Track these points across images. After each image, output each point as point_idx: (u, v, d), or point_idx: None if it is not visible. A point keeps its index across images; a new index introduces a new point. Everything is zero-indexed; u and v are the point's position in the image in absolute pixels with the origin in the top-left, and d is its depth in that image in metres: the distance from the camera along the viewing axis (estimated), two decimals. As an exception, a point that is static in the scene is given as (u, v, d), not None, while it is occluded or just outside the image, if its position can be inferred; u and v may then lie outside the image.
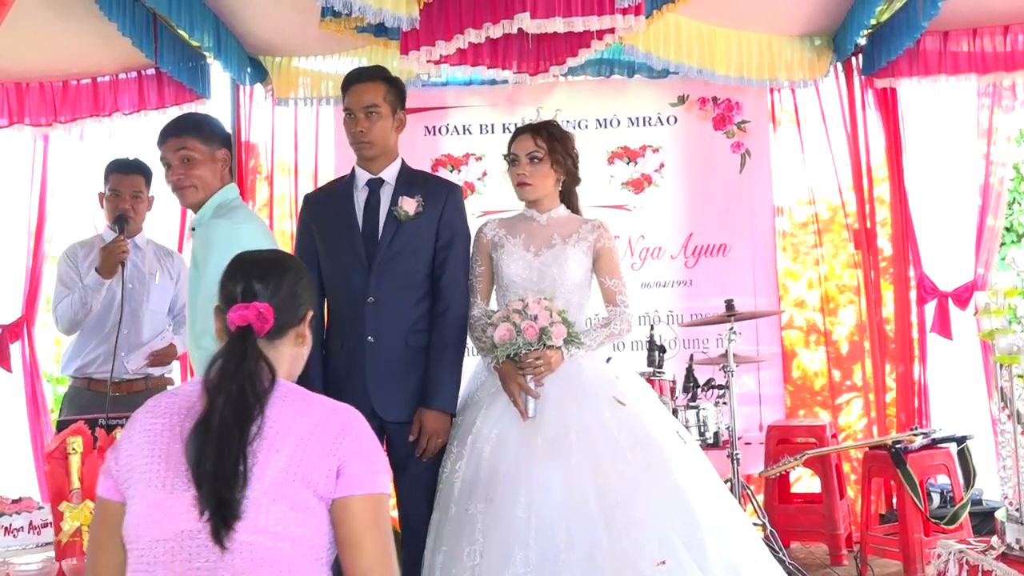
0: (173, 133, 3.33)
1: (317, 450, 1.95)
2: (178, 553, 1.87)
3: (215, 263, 2.88)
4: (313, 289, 2.23)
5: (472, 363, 3.60)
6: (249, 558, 1.86)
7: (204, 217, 3.27)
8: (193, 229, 3.30)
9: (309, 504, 1.91)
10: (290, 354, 2.13)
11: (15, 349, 5.77)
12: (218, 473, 1.85)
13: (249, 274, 2.08)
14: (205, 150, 3.31)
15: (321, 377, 3.44)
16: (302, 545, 1.90)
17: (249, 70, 5.90)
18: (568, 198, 3.71)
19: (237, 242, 2.74)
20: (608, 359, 3.55)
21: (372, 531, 1.95)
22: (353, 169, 3.62)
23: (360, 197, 3.54)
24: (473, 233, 3.67)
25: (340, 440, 1.98)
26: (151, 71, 5.72)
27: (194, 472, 1.86)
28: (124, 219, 4.37)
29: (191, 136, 3.29)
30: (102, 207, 4.58)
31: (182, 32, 5.17)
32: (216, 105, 6.02)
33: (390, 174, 3.56)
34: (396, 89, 3.58)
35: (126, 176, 4.48)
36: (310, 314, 2.16)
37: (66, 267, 4.47)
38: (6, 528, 2.67)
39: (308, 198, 3.78)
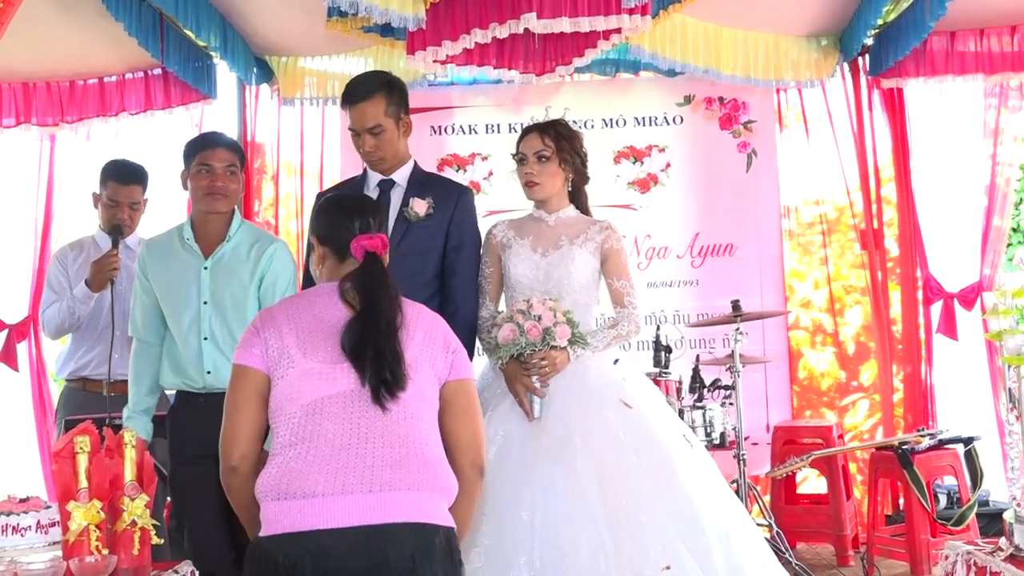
0: (229, 147, 3.53)
1: (437, 341, 2.57)
2: (344, 408, 2.40)
3: (284, 284, 3.49)
4: None
5: (479, 364, 3.59)
6: (402, 415, 2.42)
7: (244, 233, 3.52)
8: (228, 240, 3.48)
9: (431, 380, 2.52)
10: None
11: (22, 348, 5.77)
12: (380, 353, 2.42)
13: (364, 212, 2.66)
14: (240, 173, 3.53)
15: None
16: (431, 408, 2.51)
17: (255, 70, 5.91)
18: (577, 198, 3.69)
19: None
20: (616, 361, 3.53)
21: (476, 405, 2.62)
22: (365, 169, 3.62)
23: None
24: (483, 234, 3.67)
25: (452, 337, 2.63)
26: (157, 71, 5.73)
27: (354, 352, 2.42)
28: (120, 230, 4.31)
29: (239, 156, 3.53)
30: (96, 207, 4.49)
31: (188, 32, 5.18)
32: (222, 105, 6.03)
33: (401, 176, 3.56)
34: (397, 95, 3.52)
35: (124, 186, 4.40)
36: None
37: (56, 271, 4.42)
38: (14, 527, 2.67)
39: (320, 196, 3.77)
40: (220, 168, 3.45)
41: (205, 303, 3.40)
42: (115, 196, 4.39)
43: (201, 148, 3.49)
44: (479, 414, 2.62)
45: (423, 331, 2.56)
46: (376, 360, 2.41)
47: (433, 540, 2.34)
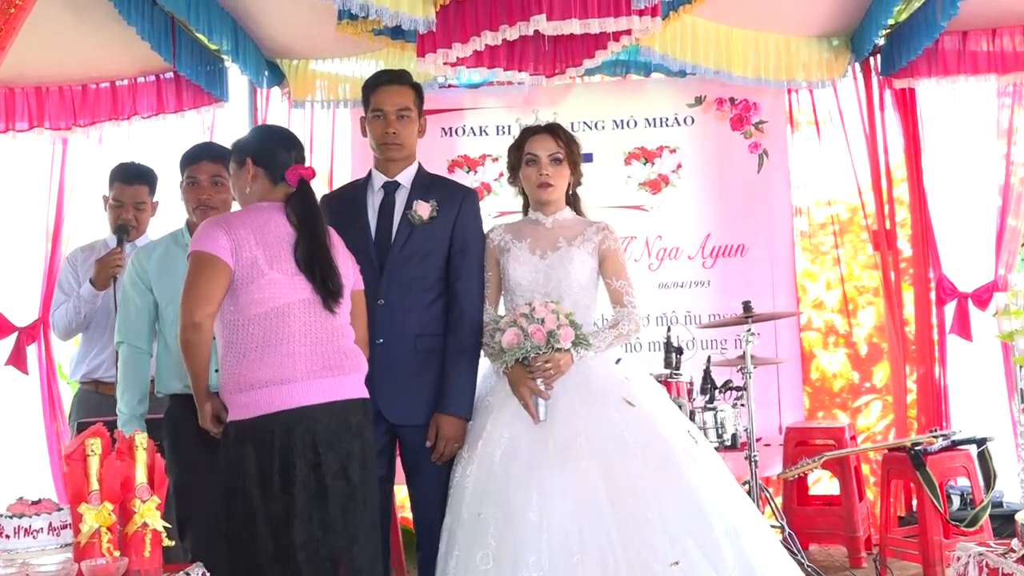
0: (214, 158, 3.64)
1: (348, 258, 3.20)
2: (304, 312, 3.02)
3: None
4: None
5: (481, 368, 3.60)
6: (341, 316, 3.09)
7: None
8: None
9: (347, 288, 3.12)
10: None
11: (31, 351, 5.79)
12: (327, 268, 3.04)
13: (297, 145, 3.22)
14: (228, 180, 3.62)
15: None
16: (348, 309, 3.14)
17: (267, 73, 5.92)
18: (573, 200, 3.71)
19: None
20: (618, 360, 3.53)
21: (365, 309, 3.27)
22: (370, 171, 3.63)
23: (375, 199, 3.55)
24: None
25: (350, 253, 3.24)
26: (169, 74, 5.74)
27: (307, 267, 3.02)
28: (125, 230, 4.33)
29: (227, 164, 3.56)
30: (106, 210, 4.52)
31: (200, 36, 5.19)
32: (233, 108, 6.05)
33: (406, 177, 3.56)
34: (421, 96, 3.61)
35: (129, 186, 4.42)
36: None
37: (66, 273, 4.45)
38: (26, 529, 2.68)
39: (324, 199, 3.79)
40: (205, 180, 3.59)
41: None
42: (120, 196, 4.42)
43: (188, 162, 3.63)
44: (366, 315, 3.27)
45: (340, 249, 3.17)
46: (323, 274, 3.04)
47: (368, 407, 3.13)
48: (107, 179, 4.51)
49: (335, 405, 3.00)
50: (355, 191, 3.64)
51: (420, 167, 3.62)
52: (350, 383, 3.07)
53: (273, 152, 3.14)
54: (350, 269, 3.19)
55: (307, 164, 3.17)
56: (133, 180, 4.44)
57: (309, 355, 2.99)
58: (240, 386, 2.96)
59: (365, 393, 3.12)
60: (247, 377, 2.95)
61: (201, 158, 3.60)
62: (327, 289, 3.04)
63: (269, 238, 3.02)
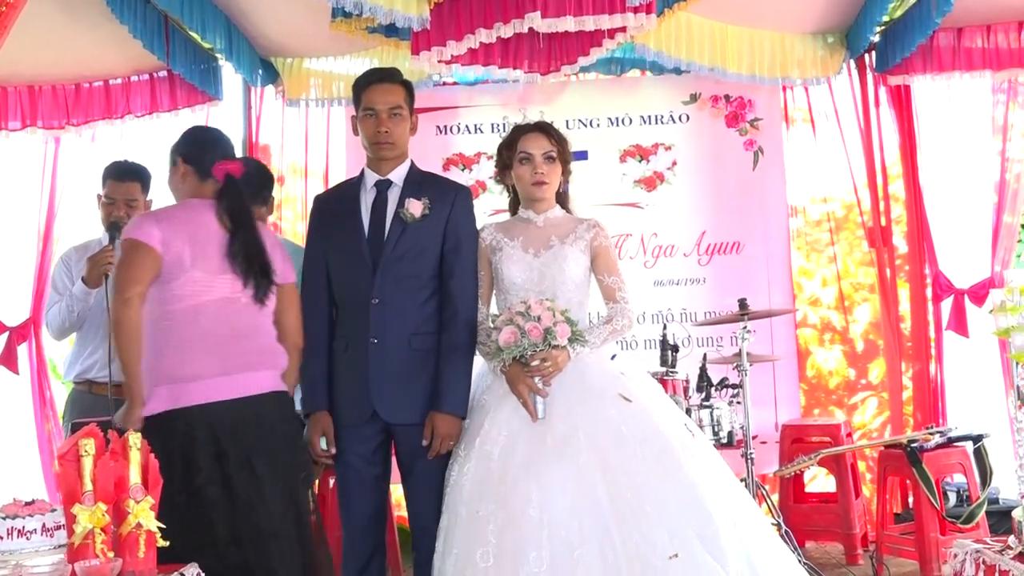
0: None
1: (277, 251, 3.33)
2: (218, 310, 3.14)
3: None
4: None
5: (476, 366, 3.59)
6: (265, 312, 3.23)
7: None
8: None
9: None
10: None
11: (22, 351, 5.78)
12: (262, 263, 3.20)
13: (223, 142, 3.38)
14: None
15: (325, 378, 3.44)
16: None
17: (260, 71, 5.92)
18: (562, 198, 3.71)
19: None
20: (613, 356, 3.53)
21: (298, 301, 3.40)
22: (362, 170, 3.62)
23: (367, 198, 3.53)
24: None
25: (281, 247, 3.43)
26: (163, 73, 5.74)
27: (243, 263, 3.16)
28: (117, 227, 4.26)
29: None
30: (99, 209, 4.48)
31: (194, 34, 5.18)
32: (228, 107, 6.04)
33: (398, 175, 3.55)
34: (412, 94, 3.60)
35: (121, 183, 4.38)
36: None
37: (60, 272, 4.43)
38: (19, 530, 2.67)
39: (317, 199, 3.79)
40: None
41: None
42: (112, 193, 4.39)
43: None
44: (299, 306, 3.39)
45: (270, 243, 3.31)
46: (259, 270, 3.20)
47: (285, 399, 3.28)
48: (100, 178, 4.50)
49: (242, 401, 3.12)
50: (348, 190, 3.63)
51: (412, 165, 3.61)
52: (262, 379, 3.19)
53: (200, 149, 3.30)
54: (280, 263, 3.32)
55: (234, 160, 3.34)
56: (125, 177, 4.41)
57: (222, 353, 3.12)
58: (154, 381, 3.06)
59: (279, 387, 3.25)
60: (160, 373, 3.07)
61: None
62: (258, 285, 3.20)
63: (198, 235, 3.14)
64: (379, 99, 3.49)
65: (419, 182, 3.56)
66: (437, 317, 3.47)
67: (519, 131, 3.64)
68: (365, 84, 3.55)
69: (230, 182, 3.24)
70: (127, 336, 3.06)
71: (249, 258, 3.18)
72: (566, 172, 3.67)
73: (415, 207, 3.45)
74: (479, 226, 3.68)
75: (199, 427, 3.05)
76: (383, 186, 3.53)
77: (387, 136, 3.49)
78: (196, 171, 3.27)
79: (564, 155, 3.61)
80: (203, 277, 3.13)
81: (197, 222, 3.17)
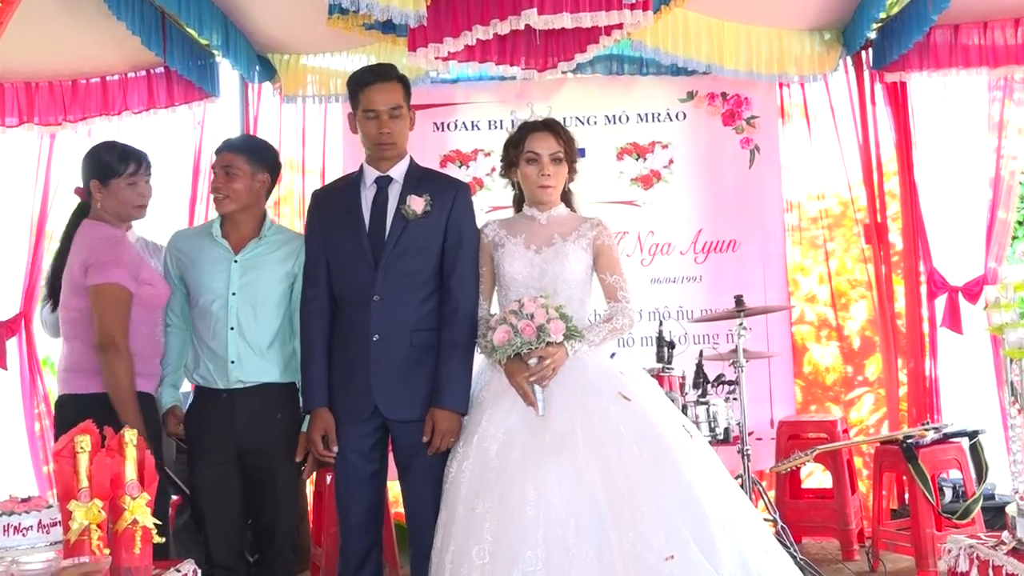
0: (231, 148, 3.69)
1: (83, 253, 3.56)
2: None
3: None
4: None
5: (477, 363, 3.59)
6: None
7: (276, 232, 3.73)
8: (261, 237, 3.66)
9: None
10: None
11: (11, 345, 5.79)
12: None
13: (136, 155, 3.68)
14: (241, 170, 3.63)
15: (325, 375, 3.44)
16: None
17: (258, 68, 5.91)
18: (567, 196, 3.70)
19: None
20: (612, 355, 3.53)
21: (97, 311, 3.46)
22: (361, 166, 3.62)
23: (368, 195, 3.53)
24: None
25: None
26: (160, 70, 5.74)
27: None
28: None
29: (241, 155, 3.65)
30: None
31: (191, 30, 5.18)
32: (225, 103, 6.03)
33: (398, 172, 3.55)
34: (408, 89, 3.59)
35: None
36: None
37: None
38: (15, 527, 2.67)
39: (316, 195, 3.79)
40: (220, 170, 3.61)
41: (233, 294, 3.54)
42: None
43: (215, 153, 3.71)
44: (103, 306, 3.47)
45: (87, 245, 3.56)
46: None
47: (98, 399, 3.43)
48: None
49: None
50: (347, 187, 3.62)
51: (412, 161, 3.61)
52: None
53: (119, 159, 3.64)
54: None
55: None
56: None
57: None
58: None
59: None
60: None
61: (222, 149, 3.68)
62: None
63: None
64: (380, 100, 3.48)
65: (419, 178, 3.56)
66: (437, 314, 3.47)
67: (527, 129, 3.62)
68: (363, 84, 3.52)
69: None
70: (128, 381, 3.50)
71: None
72: (572, 172, 3.66)
73: (417, 204, 3.45)
74: (480, 223, 3.68)
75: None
76: (383, 182, 3.53)
77: (389, 137, 3.49)
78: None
79: (571, 155, 3.60)
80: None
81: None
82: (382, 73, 3.56)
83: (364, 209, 3.52)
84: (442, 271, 3.49)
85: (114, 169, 3.63)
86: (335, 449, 3.42)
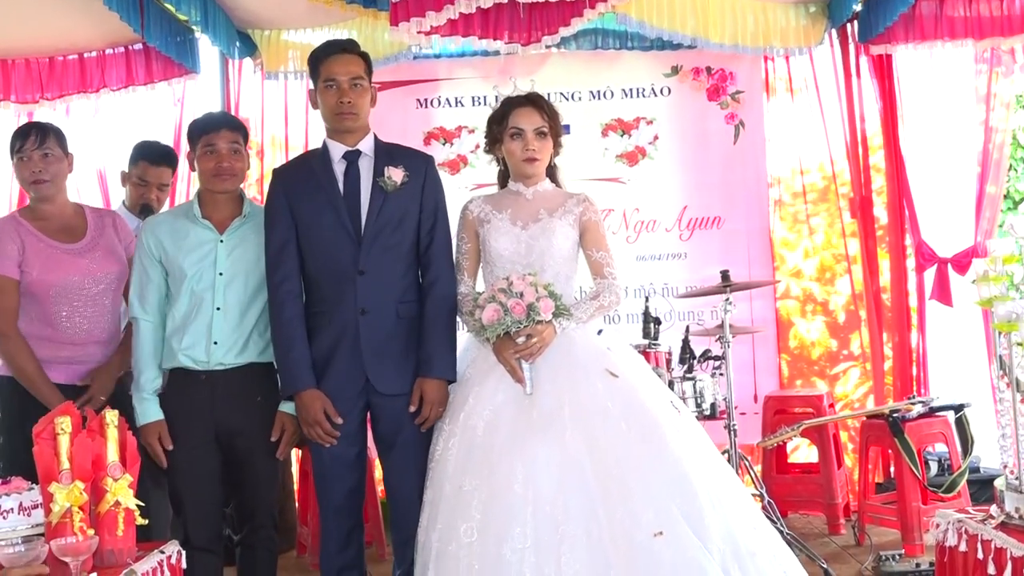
0: (232, 127, 3.61)
1: None
2: None
3: None
4: None
5: (461, 340, 3.57)
6: None
7: (257, 210, 3.63)
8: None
9: None
10: None
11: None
12: None
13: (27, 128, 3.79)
14: (244, 150, 3.62)
15: (308, 356, 3.40)
16: None
17: (238, 44, 5.84)
18: (552, 171, 3.68)
19: None
20: (599, 331, 3.51)
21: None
22: (324, 143, 3.56)
23: (339, 169, 3.49)
24: (458, 210, 3.64)
25: None
26: (138, 46, 5.67)
27: None
28: (149, 210, 4.42)
29: (242, 134, 3.61)
30: (124, 186, 4.64)
31: (169, 6, 5.09)
32: (205, 80, 5.96)
33: (367, 146, 3.52)
34: (370, 66, 3.56)
35: (155, 167, 4.53)
36: None
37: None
38: (-5, 509, 2.64)
39: (279, 172, 3.68)
40: (225, 148, 3.51)
41: (220, 275, 3.48)
42: (144, 176, 4.52)
43: (205, 130, 3.55)
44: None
45: None
46: None
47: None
48: (129, 154, 4.59)
49: None
50: (314, 162, 3.56)
51: (375, 136, 3.57)
52: None
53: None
54: None
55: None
56: (160, 162, 4.56)
57: None
58: None
59: None
60: None
61: (221, 126, 3.56)
62: None
63: None
64: (340, 70, 3.45)
65: (389, 151, 3.54)
66: (417, 285, 3.47)
67: (510, 104, 3.58)
68: (324, 56, 3.50)
69: None
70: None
71: None
72: (557, 146, 3.63)
73: (396, 174, 3.43)
74: (473, 195, 3.66)
75: None
76: (353, 156, 3.49)
77: (350, 107, 3.45)
78: None
79: (555, 129, 3.57)
80: None
81: None
82: (344, 46, 3.54)
83: (339, 184, 3.47)
84: (418, 243, 3.47)
85: (11, 148, 3.67)
86: (340, 421, 3.38)
